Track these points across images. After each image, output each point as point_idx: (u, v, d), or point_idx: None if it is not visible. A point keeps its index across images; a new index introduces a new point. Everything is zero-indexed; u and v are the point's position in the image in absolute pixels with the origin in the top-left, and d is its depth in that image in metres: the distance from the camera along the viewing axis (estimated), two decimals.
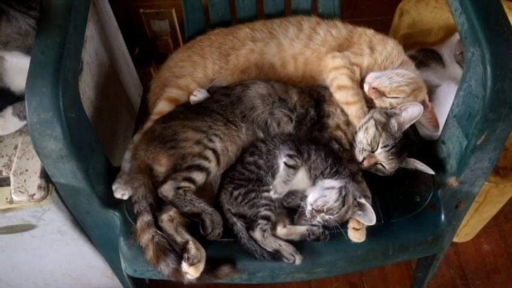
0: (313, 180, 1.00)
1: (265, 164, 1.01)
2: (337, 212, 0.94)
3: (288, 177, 0.97)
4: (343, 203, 0.95)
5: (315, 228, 0.98)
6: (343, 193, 0.95)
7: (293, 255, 0.96)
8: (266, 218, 0.96)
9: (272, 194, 0.96)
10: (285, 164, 0.98)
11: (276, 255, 0.96)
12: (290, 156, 0.98)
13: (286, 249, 0.96)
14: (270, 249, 0.96)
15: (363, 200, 0.96)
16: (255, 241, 0.96)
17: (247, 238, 0.96)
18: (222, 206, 1.01)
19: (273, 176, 1.00)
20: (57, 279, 1.39)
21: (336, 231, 0.97)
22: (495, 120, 0.89)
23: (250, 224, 0.97)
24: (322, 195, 0.95)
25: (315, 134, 1.09)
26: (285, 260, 0.96)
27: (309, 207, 0.96)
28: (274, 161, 1.01)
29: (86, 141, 0.96)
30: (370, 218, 0.95)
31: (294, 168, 0.98)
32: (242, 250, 0.97)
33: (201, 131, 1.02)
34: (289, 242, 0.98)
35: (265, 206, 0.97)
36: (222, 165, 1.03)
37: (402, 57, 1.15)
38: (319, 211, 0.95)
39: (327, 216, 0.95)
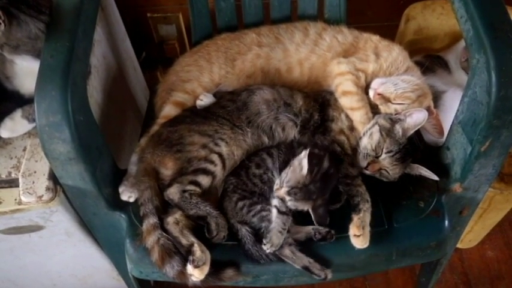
0: None
1: (269, 181, 1.02)
2: (285, 177, 0.95)
3: (283, 225, 0.95)
4: (289, 167, 0.96)
5: (321, 227, 0.99)
6: (291, 162, 0.97)
7: (324, 271, 0.97)
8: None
9: (267, 248, 0.94)
10: (278, 210, 0.96)
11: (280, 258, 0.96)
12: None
13: (316, 266, 0.97)
14: (298, 267, 0.96)
15: (305, 154, 0.95)
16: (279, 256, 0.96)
17: (252, 243, 0.97)
18: (226, 212, 1.01)
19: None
20: (64, 280, 1.41)
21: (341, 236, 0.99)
22: (499, 126, 0.89)
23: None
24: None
25: (318, 136, 1.09)
26: (316, 277, 0.97)
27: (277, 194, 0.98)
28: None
29: (94, 144, 0.97)
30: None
31: (288, 214, 0.97)
32: (246, 256, 0.98)
33: (207, 135, 1.03)
34: (296, 241, 0.98)
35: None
36: (228, 169, 1.04)
37: (408, 64, 1.15)
38: (278, 190, 0.96)
39: (285, 188, 0.95)
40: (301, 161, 0.95)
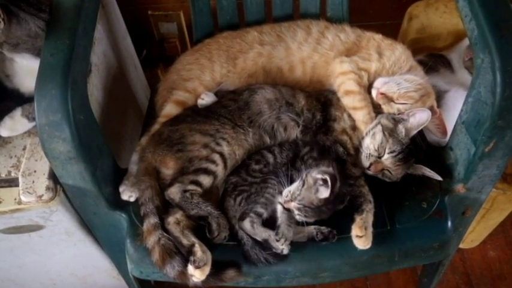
0: None
1: (270, 171, 1.01)
2: (299, 194, 0.94)
3: (290, 219, 0.96)
4: (303, 184, 0.95)
5: (323, 227, 0.99)
6: (304, 177, 0.95)
7: (282, 244, 0.94)
8: (258, 214, 0.97)
9: (282, 244, 0.93)
10: (283, 206, 0.97)
11: (279, 255, 0.95)
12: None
13: (275, 239, 0.95)
14: (259, 239, 0.95)
15: (323, 176, 0.94)
16: (249, 235, 0.96)
17: (251, 245, 0.96)
18: (227, 212, 1.01)
19: (278, 176, 1.00)
20: (64, 279, 1.40)
21: (343, 236, 0.98)
22: (504, 127, 0.88)
23: (240, 216, 0.97)
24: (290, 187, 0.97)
25: (320, 136, 1.08)
26: (274, 250, 0.95)
27: (282, 201, 0.97)
28: (279, 172, 1.01)
29: (94, 143, 0.96)
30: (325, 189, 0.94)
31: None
32: (244, 257, 0.97)
33: (208, 135, 1.02)
34: (298, 243, 0.97)
35: (261, 204, 0.97)
36: (229, 169, 1.03)
37: (411, 63, 1.14)
38: (287, 202, 0.95)
39: (296, 204, 0.94)
40: (317, 182, 0.94)
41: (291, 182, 0.98)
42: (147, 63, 1.68)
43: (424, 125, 1.04)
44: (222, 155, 1.01)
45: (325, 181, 0.93)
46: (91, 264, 1.32)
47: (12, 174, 1.03)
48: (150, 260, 0.97)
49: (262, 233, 0.95)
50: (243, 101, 1.09)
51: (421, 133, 1.15)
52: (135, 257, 1.03)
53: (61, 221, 1.09)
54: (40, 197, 1.01)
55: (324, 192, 0.93)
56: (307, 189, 0.94)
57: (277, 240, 0.94)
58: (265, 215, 0.97)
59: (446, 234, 1.05)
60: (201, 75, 1.18)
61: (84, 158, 0.91)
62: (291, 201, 0.95)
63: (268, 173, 1.01)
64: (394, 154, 1.02)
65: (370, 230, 0.97)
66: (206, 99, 1.13)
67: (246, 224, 0.96)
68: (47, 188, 1.01)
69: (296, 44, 1.17)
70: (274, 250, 0.95)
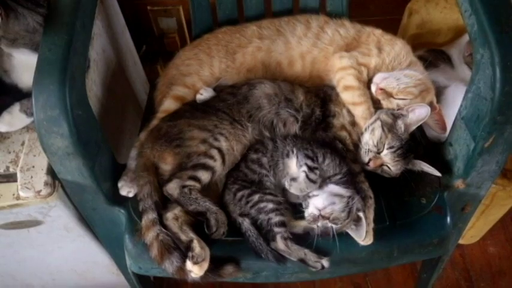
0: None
1: (267, 163, 1.01)
2: (341, 223, 0.93)
3: (306, 189, 0.96)
4: (348, 215, 0.93)
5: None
6: (350, 204, 0.94)
7: (319, 262, 0.95)
8: (281, 224, 0.95)
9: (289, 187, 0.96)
10: (307, 177, 0.96)
11: (281, 258, 0.95)
12: (311, 168, 0.97)
13: (311, 258, 0.95)
14: (294, 259, 0.95)
15: (361, 214, 0.94)
16: (276, 251, 0.95)
17: (256, 236, 0.96)
18: (227, 206, 1.00)
19: (275, 176, 1.01)
20: (63, 275, 1.40)
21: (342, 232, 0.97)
22: (503, 123, 0.88)
23: (266, 235, 0.96)
24: (331, 202, 0.94)
25: (319, 133, 1.08)
26: (312, 269, 0.95)
27: (315, 212, 0.94)
28: (281, 159, 1.00)
29: (93, 139, 0.96)
30: (360, 234, 0.94)
31: (315, 182, 0.96)
32: (249, 248, 0.97)
33: (206, 130, 1.02)
34: (293, 234, 0.97)
35: (275, 211, 0.96)
36: (228, 164, 1.03)
37: (410, 58, 1.14)
38: (325, 218, 0.93)
39: (329, 224, 0.94)
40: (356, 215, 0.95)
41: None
42: (146, 59, 1.67)
43: (423, 121, 1.03)
44: (220, 150, 1.00)
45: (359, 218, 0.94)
46: (90, 259, 1.32)
47: (11, 170, 1.03)
48: (149, 255, 0.97)
49: (297, 252, 0.94)
50: (242, 95, 1.08)
51: (420, 129, 1.14)
52: (133, 253, 1.03)
53: (60, 217, 1.09)
54: (38, 192, 1.00)
55: (359, 237, 0.95)
56: (347, 222, 0.94)
57: (272, 194, 0.96)
58: (286, 220, 0.96)
59: (445, 230, 1.04)
60: (200, 71, 1.17)
61: (82, 153, 0.91)
62: (328, 219, 0.93)
63: (263, 166, 1.01)
64: (393, 150, 1.02)
65: (372, 225, 0.97)
66: (205, 94, 1.13)
67: (280, 244, 0.94)
68: (46, 184, 1.01)
69: (295, 39, 1.16)
70: (311, 269, 0.95)
